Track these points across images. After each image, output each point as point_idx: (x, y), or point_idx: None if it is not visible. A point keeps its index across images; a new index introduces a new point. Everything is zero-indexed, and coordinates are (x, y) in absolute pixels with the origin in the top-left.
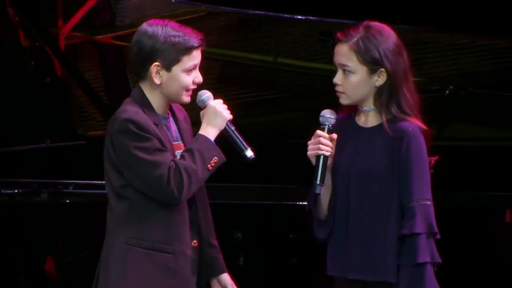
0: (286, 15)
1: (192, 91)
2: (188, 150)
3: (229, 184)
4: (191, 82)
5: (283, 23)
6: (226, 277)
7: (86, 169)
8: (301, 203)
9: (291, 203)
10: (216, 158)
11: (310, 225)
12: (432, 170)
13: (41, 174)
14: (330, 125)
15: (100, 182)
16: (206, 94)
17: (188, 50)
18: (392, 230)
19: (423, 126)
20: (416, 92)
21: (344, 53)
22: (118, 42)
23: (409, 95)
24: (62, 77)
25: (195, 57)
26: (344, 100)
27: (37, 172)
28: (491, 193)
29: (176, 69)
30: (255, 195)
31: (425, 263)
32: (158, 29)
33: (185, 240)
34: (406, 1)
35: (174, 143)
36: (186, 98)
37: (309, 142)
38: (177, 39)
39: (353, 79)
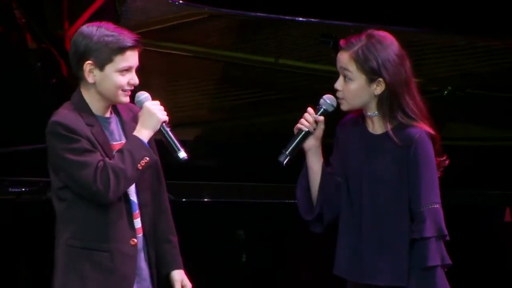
0: (287, 17)
1: (131, 92)
2: (119, 151)
3: (232, 183)
4: (125, 82)
5: (284, 25)
6: (179, 273)
7: None
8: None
9: (291, 201)
10: (147, 158)
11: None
12: (441, 170)
13: (47, 173)
14: (324, 109)
15: None
16: (144, 95)
17: (120, 50)
18: (403, 235)
19: (431, 131)
20: (421, 99)
21: (344, 61)
22: None
23: (412, 103)
24: (68, 78)
25: (129, 57)
26: (343, 106)
27: (43, 171)
28: (490, 191)
29: (109, 68)
30: (257, 194)
31: (436, 266)
32: (93, 29)
33: (122, 238)
34: (406, 3)
35: (114, 143)
36: (124, 98)
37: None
38: (110, 39)
39: (352, 87)
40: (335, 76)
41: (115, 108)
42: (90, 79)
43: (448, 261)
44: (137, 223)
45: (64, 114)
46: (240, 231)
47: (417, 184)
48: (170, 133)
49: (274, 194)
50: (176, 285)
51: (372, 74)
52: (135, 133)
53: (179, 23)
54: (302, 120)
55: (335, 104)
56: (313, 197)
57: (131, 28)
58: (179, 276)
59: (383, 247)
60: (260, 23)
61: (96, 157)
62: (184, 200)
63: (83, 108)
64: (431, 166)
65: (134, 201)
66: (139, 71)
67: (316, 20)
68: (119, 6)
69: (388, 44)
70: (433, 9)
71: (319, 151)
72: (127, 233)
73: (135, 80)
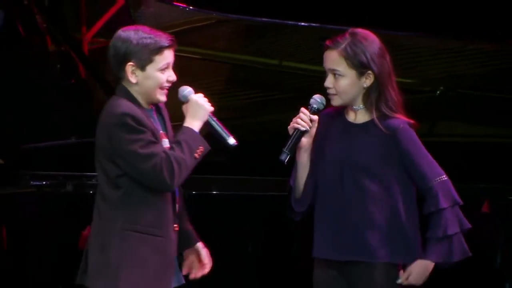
0: (290, 22)
1: (168, 90)
2: (176, 142)
3: (239, 177)
4: (165, 80)
5: (287, 29)
6: (201, 245)
7: None
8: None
9: None
10: (201, 147)
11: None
12: None
13: (67, 167)
14: (316, 107)
15: None
16: (187, 90)
17: (159, 50)
18: (382, 214)
19: (410, 120)
20: (399, 91)
21: (333, 59)
22: None
23: (393, 94)
24: (85, 79)
25: (167, 56)
26: (335, 102)
27: (63, 165)
28: (478, 185)
29: (150, 68)
30: (262, 187)
31: (454, 234)
32: (130, 33)
33: (170, 224)
34: (401, 9)
35: (160, 132)
36: (162, 97)
37: (293, 118)
38: (148, 41)
39: (343, 82)
40: None
41: (155, 104)
42: (132, 79)
43: (468, 225)
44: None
45: (129, 106)
46: (246, 222)
47: (417, 167)
48: (218, 122)
49: (279, 188)
50: (202, 253)
51: (361, 68)
52: (187, 124)
53: (189, 27)
54: (299, 120)
55: (324, 102)
56: (300, 189)
57: None
58: (201, 245)
59: (363, 226)
60: (265, 28)
61: (160, 148)
62: (194, 192)
63: (135, 102)
64: (422, 148)
65: (176, 189)
66: None
67: (316, 24)
68: (134, 12)
69: (372, 39)
70: (427, 14)
71: (310, 148)
72: (172, 219)
73: (173, 76)
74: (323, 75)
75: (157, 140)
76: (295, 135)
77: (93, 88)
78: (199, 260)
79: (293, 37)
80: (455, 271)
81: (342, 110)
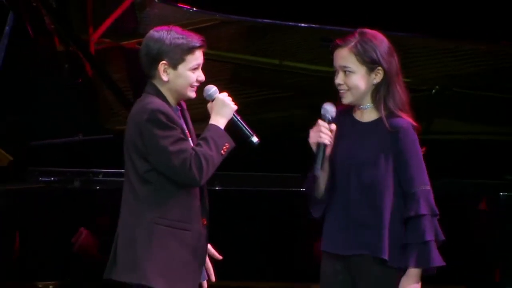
0: (290, 23)
1: (197, 88)
2: (203, 139)
3: (241, 173)
4: (195, 79)
5: (288, 30)
6: (209, 247)
7: (113, 159)
8: (303, 189)
9: (295, 189)
10: (227, 144)
11: (306, 206)
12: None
13: (74, 164)
14: (330, 117)
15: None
16: (213, 89)
17: (191, 50)
18: (386, 212)
19: (414, 123)
20: (407, 89)
21: (344, 56)
22: None
23: (401, 91)
24: (92, 78)
25: (198, 57)
26: (347, 99)
27: (71, 162)
28: (473, 180)
29: (181, 67)
30: (264, 183)
31: (430, 240)
32: (163, 33)
33: (199, 219)
34: (399, 11)
35: (187, 132)
36: (192, 94)
37: (310, 130)
38: (181, 41)
39: (354, 78)
40: (333, 76)
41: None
42: (164, 77)
43: (442, 237)
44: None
45: (161, 104)
46: (248, 214)
47: (408, 168)
48: (242, 120)
49: (280, 183)
50: (212, 252)
51: (371, 64)
52: (213, 122)
53: (193, 28)
54: (322, 135)
55: (335, 107)
56: (321, 193)
57: None
58: (210, 246)
59: (369, 223)
60: (266, 29)
61: (189, 145)
62: None
63: (165, 100)
64: (419, 153)
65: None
66: None
67: (316, 25)
68: (139, 13)
69: (381, 38)
70: (424, 16)
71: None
72: (200, 214)
73: (202, 76)
74: (322, 75)
75: (185, 137)
76: (321, 149)
77: (99, 87)
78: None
79: (294, 37)
80: (450, 266)
81: (350, 109)
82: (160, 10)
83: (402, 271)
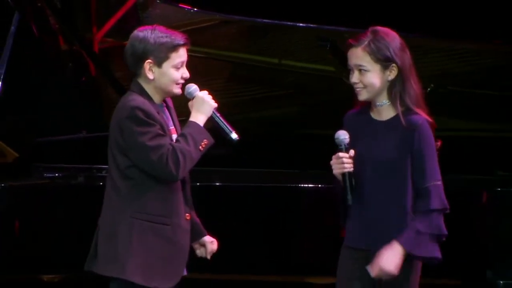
0: (289, 23)
1: (182, 86)
2: (182, 135)
3: (240, 169)
4: (179, 77)
5: (286, 30)
6: (207, 238)
7: None
8: (301, 185)
9: (293, 185)
10: (206, 140)
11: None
12: (438, 152)
13: (78, 160)
14: (347, 144)
15: None
16: (193, 87)
17: (175, 47)
18: (407, 207)
19: (430, 119)
20: (420, 84)
21: (358, 56)
22: None
23: (416, 87)
24: (96, 76)
25: (182, 54)
26: (363, 96)
27: (75, 158)
28: (466, 176)
29: (166, 65)
30: (262, 179)
31: (432, 234)
32: (148, 33)
33: (180, 214)
34: (396, 11)
35: (170, 128)
36: (177, 90)
37: (332, 162)
38: (165, 39)
39: (369, 76)
40: (331, 75)
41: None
42: (150, 75)
43: (445, 231)
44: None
45: (141, 101)
46: (243, 210)
47: (422, 164)
48: (221, 118)
49: (278, 179)
50: (211, 245)
51: (385, 61)
52: (192, 119)
53: (194, 28)
54: (343, 165)
55: (347, 134)
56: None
57: None
58: (209, 238)
59: (389, 219)
60: (265, 28)
61: (166, 141)
62: (198, 184)
63: (148, 98)
64: (433, 149)
65: (187, 180)
66: None
67: (314, 25)
68: (142, 13)
69: (393, 35)
70: (420, 16)
71: None
72: (183, 209)
73: (187, 74)
74: (320, 73)
75: (165, 133)
76: (347, 178)
77: (102, 85)
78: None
79: (292, 37)
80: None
81: (367, 108)
82: (161, 10)
83: (415, 258)
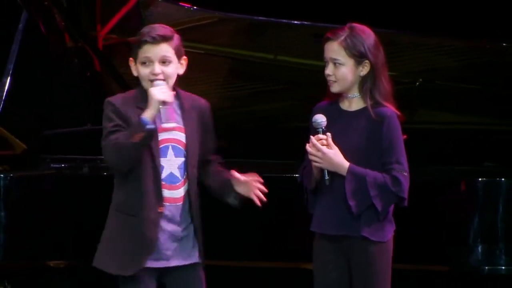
0: (284, 21)
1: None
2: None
3: (237, 160)
4: (148, 72)
5: (282, 27)
6: (234, 175)
7: None
8: (294, 175)
9: (287, 175)
10: (142, 133)
11: (303, 196)
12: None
13: (84, 152)
14: (324, 128)
15: None
16: (156, 82)
17: (140, 44)
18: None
19: (397, 112)
20: (391, 82)
21: (334, 49)
22: None
23: (386, 83)
24: (100, 72)
25: (146, 50)
26: (335, 89)
27: (80, 149)
28: (454, 167)
29: (137, 61)
30: (258, 169)
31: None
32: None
33: (150, 206)
34: (386, 9)
35: (163, 125)
36: (149, 86)
37: (308, 146)
38: (137, 36)
39: (343, 70)
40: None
41: (178, 95)
42: (134, 72)
43: (404, 194)
44: (174, 193)
45: (120, 96)
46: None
47: (390, 154)
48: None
49: (274, 169)
50: (241, 179)
51: (359, 57)
52: (142, 114)
53: (194, 25)
54: (314, 158)
55: (324, 117)
56: (313, 181)
57: None
58: (234, 174)
59: (358, 204)
60: (262, 25)
61: (115, 136)
62: None
63: (140, 93)
64: (401, 140)
65: (174, 175)
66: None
67: (308, 23)
68: (144, 11)
69: (368, 33)
70: (409, 14)
71: None
72: (153, 202)
73: (156, 70)
74: (314, 69)
75: (121, 129)
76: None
77: (106, 80)
78: (248, 184)
79: (288, 34)
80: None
81: (336, 100)
82: (163, 8)
83: (381, 243)
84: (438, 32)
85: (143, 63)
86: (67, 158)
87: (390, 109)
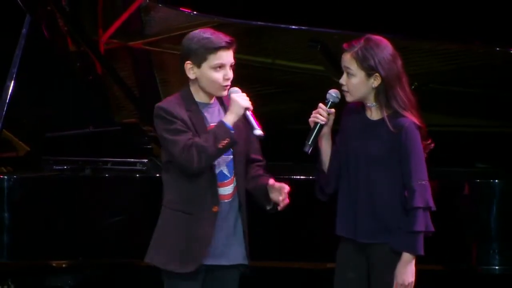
0: (282, 26)
1: (229, 86)
2: (208, 132)
3: None
4: (220, 77)
5: (280, 31)
6: (271, 183)
7: (121, 149)
8: (295, 177)
9: (286, 177)
10: (227, 139)
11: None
12: (427, 152)
13: (85, 154)
14: (331, 101)
15: (132, 160)
16: (233, 89)
17: (214, 49)
18: (395, 202)
19: (418, 123)
20: (411, 92)
21: (347, 60)
22: (147, 47)
23: (403, 94)
24: (101, 75)
25: (220, 56)
26: (348, 98)
27: (82, 151)
28: (447, 168)
29: (204, 66)
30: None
31: (420, 231)
32: (195, 34)
33: (205, 205)
34: (383, 14)
35: (212, 124)
36: (220, 92)
37: (313, 112)
38: (205, 41)
39: (353, 81)
40: (321, 74)
41: (220, 97)
42: (190, 75)
43: (431, 228)
44: (224, 190)
45: (168, 100)
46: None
47: (407, 164)
48: (251, 116)
49: (272, 171)
50: (276, 186)
51: (369, 70)
52: (223, 118)
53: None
54: (317, 115)
55: (339, 96)
56: (325, 172)
57: (153, 34)
58: (271, 181)
59: (375, 212)
60: (260, 30)
61: (186, 136)
62: None
63: (187, 96)
64: (419, 150)
65: (223, 173)
66: (161, 69)
67: (305, 27)
68: (145, 16)
69: (384, 46)
70: (403, 19)
71: (330, 136)
72: (210, 201)
73: (228, 75)
74: (311, 72)
75: (186, 130)
76: (315, 128)
77: (108, 83)
78: (280, 189)
79: (285, 38)
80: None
81: (361, 106)
82: (163, 13)
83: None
84: (432, 36)
85: (215, 68)
86: (69, 160)
87: (409, 119)
